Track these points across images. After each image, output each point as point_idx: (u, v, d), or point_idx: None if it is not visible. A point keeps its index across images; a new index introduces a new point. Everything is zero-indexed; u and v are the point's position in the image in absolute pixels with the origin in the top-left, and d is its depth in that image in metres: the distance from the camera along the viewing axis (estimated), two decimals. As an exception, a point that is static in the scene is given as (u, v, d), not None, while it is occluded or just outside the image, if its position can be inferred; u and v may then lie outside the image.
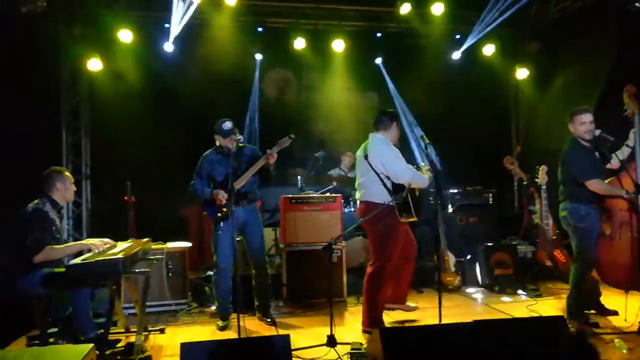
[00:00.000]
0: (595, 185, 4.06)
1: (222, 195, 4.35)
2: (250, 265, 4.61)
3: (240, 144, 4.53)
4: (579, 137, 4.18)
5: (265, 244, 4.76)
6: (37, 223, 3.69)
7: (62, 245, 3.83)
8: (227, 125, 4.41)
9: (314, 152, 6.46)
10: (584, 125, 4.14)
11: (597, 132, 4.19)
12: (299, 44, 6.97)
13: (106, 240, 3.95)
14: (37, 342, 3.74)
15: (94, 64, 6.43)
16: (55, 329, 3.82)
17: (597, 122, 4.22)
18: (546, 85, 7.18)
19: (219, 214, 4.38)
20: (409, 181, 4.08)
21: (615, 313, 4.44)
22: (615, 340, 3.65)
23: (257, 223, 4.58)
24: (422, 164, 4.42)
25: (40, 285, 3.58)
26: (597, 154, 4.24)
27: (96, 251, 3.71)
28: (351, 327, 4.37)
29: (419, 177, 4.15)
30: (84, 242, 4.00)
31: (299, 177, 6.40)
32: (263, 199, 6.27)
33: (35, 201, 3.78)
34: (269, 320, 4.53)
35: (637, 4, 5.60)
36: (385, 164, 4.11)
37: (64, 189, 3.91)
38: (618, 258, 4.14)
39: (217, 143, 4.51)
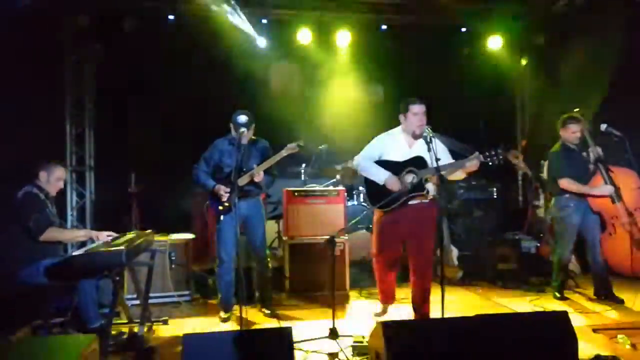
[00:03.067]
0: (566, 183, 4.65)
1: (223, 190, 4.34)
2: (252, 257, 4.62)
3: (253, 138, 4.50)
4: (567, 142, 4.76)
5: (266, 236, 4.75)
6: (31, 205, 3.76)
7: (67, 230, 3.90)
8: (242, 119, 4.32)
9: (318, 146, 6.43)
10: (574, 134, 4.70)
11: (604, 126, 4.35)
12: (304, 36, 6.93)
13: (109, 233, 3.99)
14: (41, 331, 3.77)
15: (99, 55, 6.42)
16: (62, 319, 3.86)
17: (604, 116, 4.28)
18: (552, 79, 7.13)
19: (221, 207, 4.37)
20: (355, 166, 4.20)
21: (621, 301, 4.63)
22: (619, 335, 3.64)
23: (259, 216, 4.57)
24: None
25: (43, 276, 3.62)
26: (584, 155, 4.71)
27: (99, 241, 3.73)
28: (353, 320, 4.37)
29: (363, 168, 4.12)
30: (90, 231, 4.05)
31: (302, 170, 6.38)
32: (267, 192, 6.26)
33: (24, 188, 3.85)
34: (267, 312, 4.55)
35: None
36: None
37: (46, 180, 3.92)
38: (618, 249, 5.01)
39: (232, 132, 4.47)
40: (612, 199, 4.63)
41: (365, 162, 4.11)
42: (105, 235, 3.94)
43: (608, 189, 4.60)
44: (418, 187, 3.97)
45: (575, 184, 4.65)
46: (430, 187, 4.07)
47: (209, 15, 6.40)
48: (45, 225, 3.72)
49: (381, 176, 4.01)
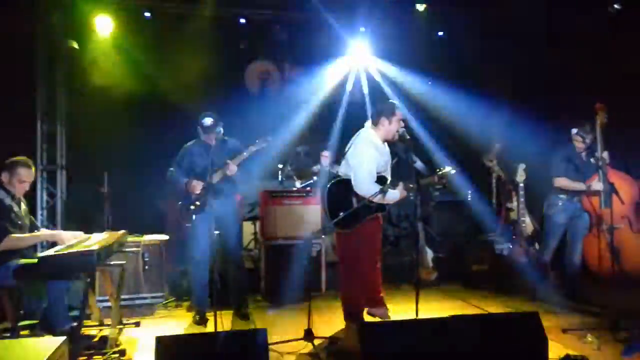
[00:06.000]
0: (558, 181, 4.79)
1: (196, 183, 4.31)
2: (226, 259, 4.58)
3: (224, 137, 4.49)
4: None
5: (241, 238, 4.73)
6: None
7: (27, 235, 3.74)
8: (207, 122, 4.34)
9: (295, 147, 6.41)
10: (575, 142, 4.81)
11: (574, 131, 4.54)
12: (281, 36, 6.91)
13: (78, 234, 3.88)
14: (8, 334, 3.66)
15: (72, 52, 6.28)
16: (31, 322, 3.78)
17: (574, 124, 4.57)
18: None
19: (192, 207, 4.33)
20: (363, 194, 3.80)
21: (590, 302, 4.71)
22: (588, 335, 3.72)
23: (234, 217, 4.55)
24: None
25: (12, 277, 3.51)
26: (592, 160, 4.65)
27: (67, 243, 3.63)
28: (329, 322, 4.37)
29: (372, 192, 3.72)
30: (53, 232, 3.93)
31: (279, 171, 6.35)
32: (242, 193, 6.20)
33: None
34: (242, 313, 4.50)
35: (616, 6, 5.69)
36: (353, 167, 3.89)
37: (8, 182, 3.71)
38: (594, 249, 4.79)
39: (201, 136, 4.46)
40: (600, 202, 4.65)
41: (376, 187, 3.72)
42: (71, 237, 3.78)
43: (596, 186, 4.62)
44: (381, 207, 3.96)
45: (567, 181, 4.76)
46: None
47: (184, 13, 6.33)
48: (2, 235, 3.51)
49: (397, 195, 3.86)
